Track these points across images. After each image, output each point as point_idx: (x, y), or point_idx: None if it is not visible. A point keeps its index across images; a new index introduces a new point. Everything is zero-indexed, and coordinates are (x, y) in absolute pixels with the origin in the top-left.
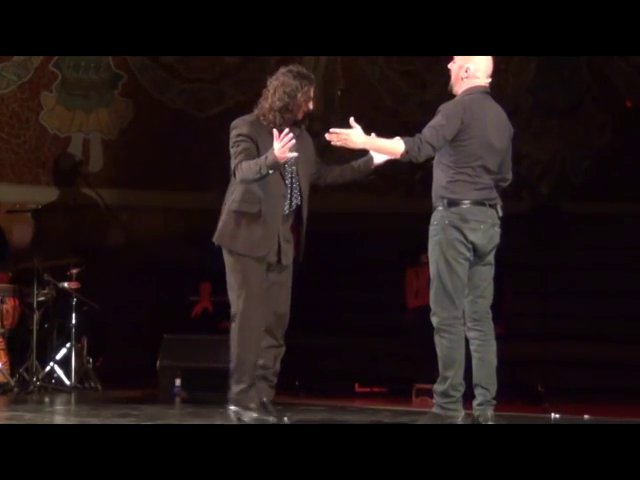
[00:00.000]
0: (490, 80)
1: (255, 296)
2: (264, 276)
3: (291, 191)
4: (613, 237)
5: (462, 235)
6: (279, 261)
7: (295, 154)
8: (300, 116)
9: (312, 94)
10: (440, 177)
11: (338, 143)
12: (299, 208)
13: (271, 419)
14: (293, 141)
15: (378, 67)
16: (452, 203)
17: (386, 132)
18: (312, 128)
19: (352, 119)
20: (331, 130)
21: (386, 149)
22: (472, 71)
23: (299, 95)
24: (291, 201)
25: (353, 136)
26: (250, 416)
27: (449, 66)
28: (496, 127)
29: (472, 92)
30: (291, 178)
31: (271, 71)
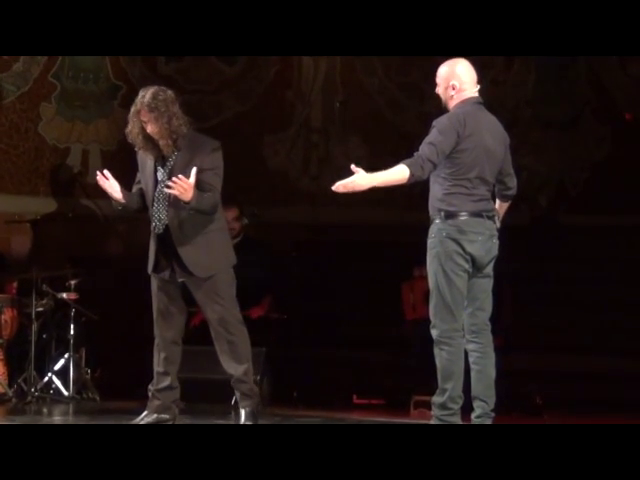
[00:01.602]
0: (479, 87)
1: (155, 310)
2: (163, 292)
3: (152, 209)
4: (612, 249)
5: (460, 247)
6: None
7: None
8: (135, 140)
9: (139, 116)
10: (437, 189)
11: (346, 191)
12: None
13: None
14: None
15: (377, 78)
16: (449, 215)
17: (385, 143)
18: (311, 139)
19: (353, 166)
20: (337, 184)
21: (393, 180)
22: (458, 86)
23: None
24: (156, 219)
25: (358, 180)
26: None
27: (437, 91)
28: (492, 137)
29: (465, 104)
30: (158, 197)
31: (270, 82)
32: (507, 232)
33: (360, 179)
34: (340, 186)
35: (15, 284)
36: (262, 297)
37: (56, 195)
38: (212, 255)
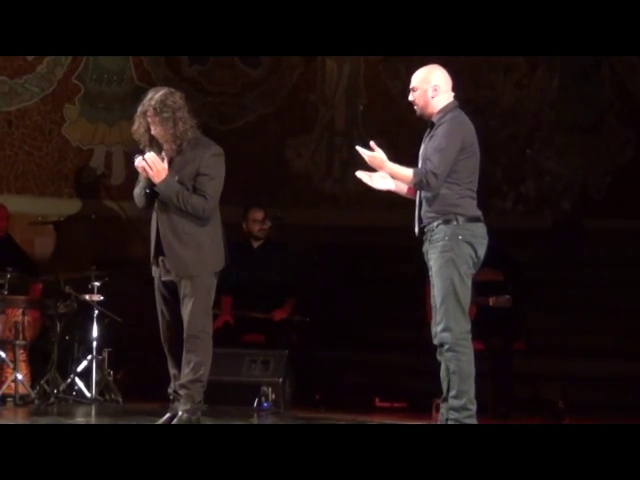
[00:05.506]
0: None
1: (160, 314)
2: (163, 295)
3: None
4: (634, 253)
5: (474, 251)
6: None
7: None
8: (140, 138)
9: (145, 116)
10: (447, 193)
11: (367, 157)
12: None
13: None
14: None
15: (400, 81)
16: (465, 219)
17: (408, 146)
18: (334, 142)
19: (372, 142)
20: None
21: (400, 176)
22: (440, 88)
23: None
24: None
25: (381, 158)
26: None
27: (410, 99)
28: (477, 140)
29: (451, 108)
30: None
31: (293, 85)
32: (530, 235)
33: (384, 160)
34: (367, 155)
35: (40, 286)
36: (285, 299)
37: (80, 197)
38: (195, 257)
